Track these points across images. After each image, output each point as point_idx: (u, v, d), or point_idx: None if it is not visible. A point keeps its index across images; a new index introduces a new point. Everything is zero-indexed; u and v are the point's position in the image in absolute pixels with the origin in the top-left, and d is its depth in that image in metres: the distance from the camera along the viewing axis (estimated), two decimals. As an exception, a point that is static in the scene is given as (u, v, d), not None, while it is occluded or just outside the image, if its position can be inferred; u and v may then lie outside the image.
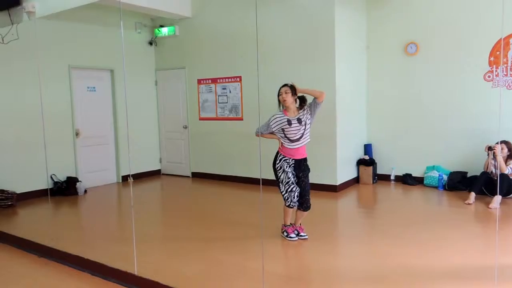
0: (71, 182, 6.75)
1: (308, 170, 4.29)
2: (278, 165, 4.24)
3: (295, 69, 6.48)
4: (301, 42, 6.48)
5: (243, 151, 7.23)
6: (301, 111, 4.23)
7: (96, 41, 7.30)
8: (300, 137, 4.18)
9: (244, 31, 6.94)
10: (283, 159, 4.22)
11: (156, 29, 8.14)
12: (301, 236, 4.31)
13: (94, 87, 7.41)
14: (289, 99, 4.16)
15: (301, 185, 4.23)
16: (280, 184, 4.24)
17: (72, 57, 7.00)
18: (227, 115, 7.55)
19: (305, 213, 4.29)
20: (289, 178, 4.17)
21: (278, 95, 4.23)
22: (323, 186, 6.37)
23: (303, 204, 4.23)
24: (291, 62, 6.57)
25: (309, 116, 4.20)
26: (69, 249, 3.98)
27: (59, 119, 6.82)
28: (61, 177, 6.80)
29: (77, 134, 7.10)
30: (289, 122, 4.15)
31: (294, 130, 4.14)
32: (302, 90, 4.21)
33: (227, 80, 7.48)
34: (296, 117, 4.19)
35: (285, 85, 4.24)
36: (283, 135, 4.20)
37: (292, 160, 4.21)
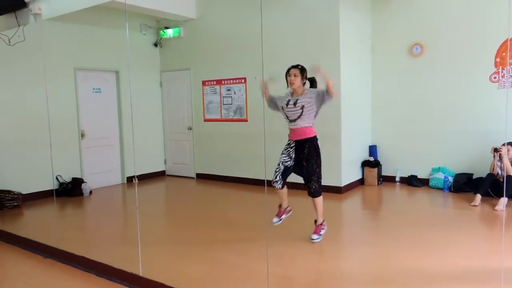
0: (76, 183, 6.79)
1: (316, 154, 4.15)
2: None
3: (299, 70, 6.47)
4: (306, 43, 6.47)
5: (247, 152, 7.22)
6: (305, 92, 4.12)
7: (102, 43, 7.33)
8: (297, 118, 4.10)
9: (249, 33, 6.95)
10: (287, 142, 4.23)
11: (161, 31, 8.17)
12: (311, 238, 4.17)
13: (99, 89, 7.45)
14: (298, 82, 4.09)
15: (301, 169, 4.15)
16: None
17: (77, 58, 7.04)
18: (232, 117, 7.56)
19: (317, 201, 4.16)
20: (280, 160, 4.20)
21: (287, 75, 4.14)
22: (327, 188, 6.32)
23: (309, 190, 4.15)
24: (296, 62, 6.54)
25: (310, 101, 4.04)
26: (74, 250, 3.99)
27: (65, 120, 6.86)
28: (67, 178, 6.84)
29: (82, 135, 7.14)
30: (287, 103, 4.14)
31: (289, 111, 4.13)
32: (323, 72, 4.00)
33: (231, 81, 7.48)
34: (295, 100, 4.11)
35: (296, 66, 4.15)
36: (283, 113, 4.20)
37: (293, 142, 4.19)
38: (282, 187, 4.25)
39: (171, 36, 8.04)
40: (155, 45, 8.31)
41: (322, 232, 4.25)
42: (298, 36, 6.55)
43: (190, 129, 8.19)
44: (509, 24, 5.93)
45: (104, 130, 7.54)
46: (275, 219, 4.39)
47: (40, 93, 5.45)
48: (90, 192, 6.90)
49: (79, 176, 6.99)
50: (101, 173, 7.44)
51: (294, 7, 6.54)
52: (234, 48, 7.28)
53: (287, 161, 4.21)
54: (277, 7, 6.64)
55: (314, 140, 4.19)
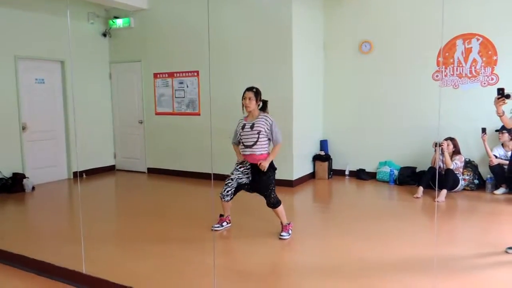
0: (18, 178, 6.42)
1: (272, 169, 4.21)
2: (237, 162, 4.32)
3: (253, 65, 6.49)
4: (258, 39, 6.49)
5: (200, 146, 7.15)
6: (260, 116, 4.17)
7: (45, 31, 6.96)
8: (253, 144, 4.11)
9: (202, 25, 6.86)
10: (243, 160, 4.25)
11: (110, 20, 7.88)
12: (280, 235, 4.18)
13: (43, 79, 7.07)
14: (252, 105, 4.13)
15: (259, 187, 4.18)
16: None
17: (18, 47, 6.63)
18: (184, 110, 7.44)
19: (278, 211, 4.20)
20: (232, 174, 4.27)
21: (242, 99, 4.18)
22: (279, 182, 6.38)
23: (268, 203, 4.19)
24: (249, 58, 6.57)
25: (266, 130, 4.12)
26: (13, 249, 3.79)
27: (4, 112, 6.46)
28: (7, 173, 6.46)
29: (23, 128, 6.75)
30: (243, 127, 4.17)
31: (245, 135, 4.14)
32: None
33: (184, 74, 7.36)
34: (252, 122, 4.16)
35: (251, 89, 4.17)
36: (240, 140, 4.23)
37: (249, 164, 4.23)
38: (229, 200, 4.35)
39: (121, 26, 7.78)
40: (104, 35, 8.01)
41: (291, 231, 4.27)
42: (251, 32, 6.54)
43: (141, 122, 7.98)
44: (442, 29, 6.25)
45: (48, 123, 7.17)
46: (217, 225, 4.44)
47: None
48: (33, 188, 6.56)
49: (20, 171, 6.62)
50: (45, 167, 7.09)
51: (247, 3, 6.53)
52: (187, 40, 7.16)
53: (242, 179, 4.27)
54: (229, 1, 6.60)
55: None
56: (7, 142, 6.51)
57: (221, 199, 4.34)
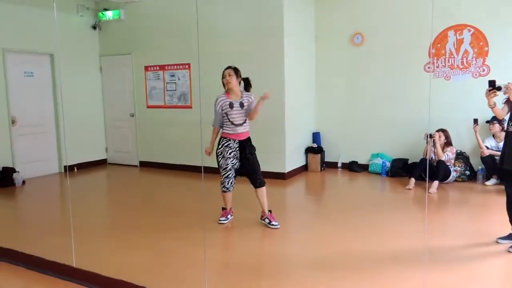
0: (8, 172, 6.35)
1: (254, 149, 4.30)
2: (219, 150, 4.25)
3: (244, 58, 6.42)
4: (250, 31, 6.44)
5: (192, 139, 7.10)
6: (245, 94, 4.23)
7: (34, 24, 6.84)
8: (243, 122, 4.19)
9: (193, 17, 6.76)
10: (225, 144, 4.20)
11: (100, 13, 7.77)
12: (272, 225, 4.21)
13: (31, 72, 6.97)
14: (234, 81, 4.15)
15: (247, 167, 4.23)
16: (220, 169, 4.27)
17: (6, 40, 6.52)
18: (176, 103, 7.39)
19: (264, 191, 4.26)
20: (227, 164, 4.21)
21: (222, 78, 4.20)
22: (272, 174, 6.41)
23: (258, 183, 4.23)
24: (240, 51, 6.51)
25: (250, 107, 4.20)
26: (3, 243, 3.74)
27: (-8, 106, 6.38)
28: (-4, 167, 6.39)
29: (13, 122, 6.67)
30: (231, 105, 4.15)
31: (236, 114, 4.15)
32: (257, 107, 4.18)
33: (175, 67, 7.30)
34: (239, 100, 4.18)
35: (229, 67, 4.22)
36: (226, 120, 4.18)
37: (236, 143, 4.19)
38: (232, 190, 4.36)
39: (111, 18, 7.67)
40: (94, 27, 7.91)
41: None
42: (242, 23, 6.49)
43: (133, 115, 7.92)
44: (432, 23, 6.25)
45: (38, 117, 7.09)
46: (223, 219, 4.41)
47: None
48: (23, 182, 6.49)
49: (10, 165, 6.54)
50: (35, 162, 7.01)
51: (238, -7, 6.47)
52: (178, 33, 7.09)
53: (235, 164, 4.25)
54: (221, -9, 6.54)
55: (249, 137, 4.33)
56: (-4, 136, 6.43)
57: (224, 192, 4.30)
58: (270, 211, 4.33)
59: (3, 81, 6.51)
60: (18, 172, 6.49)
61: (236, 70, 4.21)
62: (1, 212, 5.31)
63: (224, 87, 4.23)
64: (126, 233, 4.19)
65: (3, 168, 6.40)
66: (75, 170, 7.46)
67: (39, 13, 6.86)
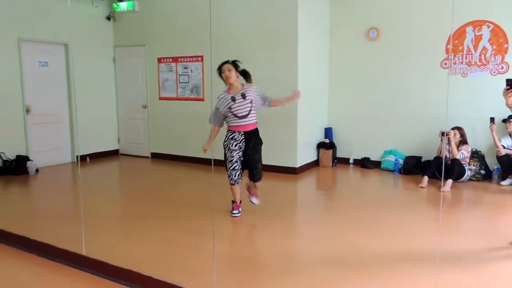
0: (21, 161, 6.43)
1: (260, 143, 4.28)
2: (225, 143, 4.25)
3: (257, 51, 6.39)
4: (263, 24, 6.38)
5: (203, 132, 7.02)
6: (246, 86, 4.20)
7: (49, 13, 6.89)
8: (247, 114, 4.14)
9: (206, 9, 6.73)
10: (231, 136, 4.20)
11: (114, 3, 7.79)
12: (252, 202, 4.38)
13: (46, 62, 7.02)
14: (233, 76, 4.12)
15: (249, 160, 4.21)
16: (226, 161, 4.27)
17: (22, 29, 6.58)
18: (188, 95, 7.39)
19: (258, 183, 4.34)
20: (232, 156, 4.20)
21: (221, 73, 4.15)
22: (283, 168, 6.38)
23: (253, 177, 4.27)
24: (253, 44, 6.46)
25: (256, 99, 4.18)
26: (15, 230, 3.79)
27: (8, 95, 6.44)
28: (11, 155, 6.46)
29: (27, 110, 6.74)
30: (233, 99, 4.12)
31: (239, 106, 4.11)
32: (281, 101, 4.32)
33: (188, 59, 7.29)
34: (240, 92, 4.14)
35: (226, 62, 4.17)
36: (230, 114, 4.16)
37: (241, 135, 4.17)
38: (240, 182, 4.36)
39: (125, 9, 7.68)
40: (108, 18, 7.93)
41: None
42: (256, 16, 6.43)
43: (145, 107, 7.94)
44: (452, 16, 6.11)
45: (52, 106, 7.15)
46: (236, 212, 4.40)
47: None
48: (37, 170, 6.57)
49: (24, 154, 6.62)
50: (49, 151, 7.09)
51: (253, -15, 6.41)
52: (191, 25, 7.06)
53: (241, 157, 4.24)
54: (235, -16, 6.49)
55: (257, 129, 4.31)
56: (11, 125, 6.50)
57: (233, 185, 4.29)
58: (240, 201, 4.41)
59: (18, 70, 6.56)
60: (32, 160, 6.56)
61: (235, 64, 4.15)
62: (14, 199, 5.39)
63: (225, 82, 4.19)
64: (136, 223, 4.21)
65: (17, 156, 6.48)
66: (88, 159, 7.52)
67: (54, 3, 6.89)
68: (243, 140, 4.19)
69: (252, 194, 4.42)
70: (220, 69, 4.15)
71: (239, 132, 4.18)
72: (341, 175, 6.60)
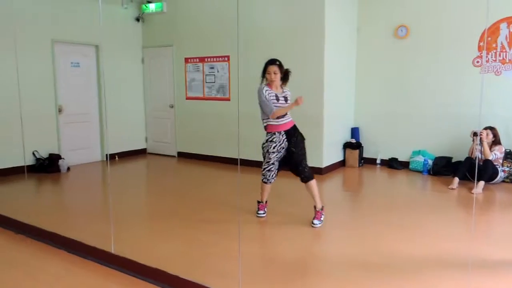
0: (54, 159, 6.63)
1: (302, 140, 4.20)
2: (264, 145, 4.23)
3: (284, 50, 6.35)
4: (290, 23, 6.35)
5: (229, 132, 7.14)
6: (285, 89, 4.24)
7: (81, 15, 7.08)
8: (285, 114, 4.15)
9: (233, 10, 6.77)
10: (270, 139, 4.15)
11: (143, 5, 7.92)
12: (313, 223, 4.10)
13: (78, 63, 7.22)
14: (278, 79, 4.12)
15: (291, 161, 4.16)
16: (263, 161, 4.25)
17: (55, 31, 6.79)
18: (215, 95, 7.44)
19: (312, 185, 4.11)
20: (270, 159, 4.18)
21: (265, 73, 4.12)
22: (308, 169, 6.33)
23: (300, 175, 4.15)
24: (280, 42, 6.44)
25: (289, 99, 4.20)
26: (46, 226, 3.91)
27: (41, 95, 6.66)
28: (44, 153, 6.68)
29: (60, 110, 6.95)
30: (277, 98, 4.12)
31: (282, 106, 4.11)
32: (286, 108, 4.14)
33: (215, 59, 7.34)
34: (283, 94, 4.18)
35: (273, 63, 4.11)
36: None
37: (282, 134, 4.12)
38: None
39: (154, 11, 7.81)
40: (137, 19, 8.08)
41: (323, 217, 4.19)
42: (283, 14, 6.41)
43: (172, 107, 8.05)
44: (488, 11, 5.91)
45: (83, 106, 7.35)
46: (261, 212, 4.40)
47: (14, 67, 5.26)
48: (68, 168, 6.77)
49: (56, 152, 6.84)
50: (79, 149, 7.29)
51: (279, -16, 6.39)
52: (218, 25, 7.11)
53: (280, 158, 4.21)
54: (262, -17, 6.48)
55: (296, 125, 4.25)
56: (44, 124, 6.72)
57: (265, 183, 4.27)
58: (321, 207, 4.20)
59: (51, 70, 6.78)
60: (64, 159, 6.76)
61: (281, 66, 4.11)
62: (46, 197, 5.57)
63: (264, 80, 4.17)
64: (163, 222, 4.27)
65: (50, 154, 6.69)
66: (116, 158, 7.69)
67: (85, 5, 7.08)
68: (285, 139, 4.15)
69: (316, 214, 4.16)
70: (265, 69, 4.12)
71: (280, 133, 4.13)
72: (368, 176, 6.50)
